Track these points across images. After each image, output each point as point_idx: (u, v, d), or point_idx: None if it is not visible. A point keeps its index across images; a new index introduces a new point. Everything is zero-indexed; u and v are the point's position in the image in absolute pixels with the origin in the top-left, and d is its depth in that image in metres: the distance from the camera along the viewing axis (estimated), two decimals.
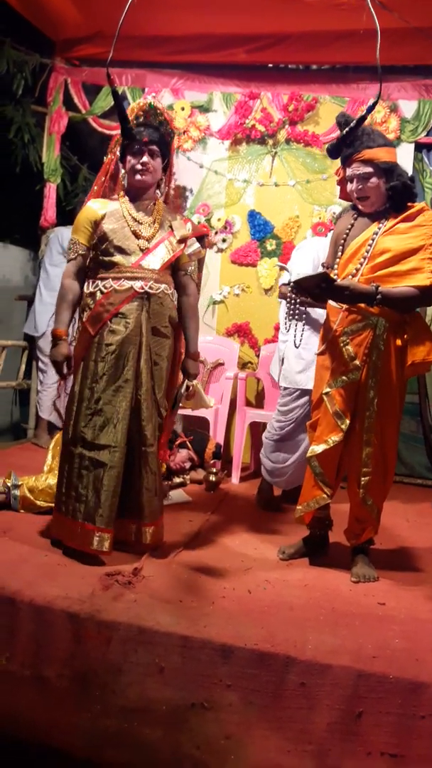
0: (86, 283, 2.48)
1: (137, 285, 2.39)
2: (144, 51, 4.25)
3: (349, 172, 2.40)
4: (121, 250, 2.40)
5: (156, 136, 2.42)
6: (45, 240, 4.53)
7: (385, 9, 3.32)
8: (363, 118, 2.40)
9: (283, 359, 3.28)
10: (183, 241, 2.53)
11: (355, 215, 2.47)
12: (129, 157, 2.43)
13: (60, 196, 4.67)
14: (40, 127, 4.62)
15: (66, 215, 4.55)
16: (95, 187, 2.60)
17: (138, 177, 2.43)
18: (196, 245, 2.53)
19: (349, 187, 2.42)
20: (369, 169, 2.34)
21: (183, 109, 4.34)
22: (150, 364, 2.44)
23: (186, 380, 2.63)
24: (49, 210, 4.54)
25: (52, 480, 2.84)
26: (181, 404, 2.68)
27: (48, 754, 1.90)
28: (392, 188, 2.34)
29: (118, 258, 2.40)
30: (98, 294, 2.41)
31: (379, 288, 2.24)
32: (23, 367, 4.65)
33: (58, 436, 3.10)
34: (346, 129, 2.36)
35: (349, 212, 2.53)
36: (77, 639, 1.92)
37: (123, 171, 2.51)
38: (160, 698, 1.82)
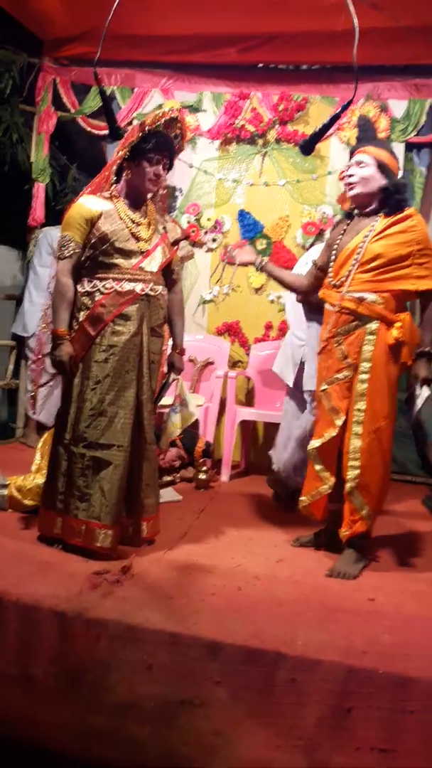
0: (81, 282, 2.44)
1: (138, 287, 2.40)
2: (133, 51, 4.24)
3: (349, 162, 2.48)
4: (122, 252, 2.40)
5: (172, 148, 2.46)
6: (34, 240, 4.52)
7: (375, 8, 3.35)
8: (337, 116, 2.48)
9: (302, 362, 3.26)
10: (176, 243, 2.61)
11: (348, 222, 2.57)
12: (145, 164, 2.39)
13: (49, 195, 4.65)
14: (29, 126, 4.60)
15: (55, 215, 4.53)
16: (97, 180, 2.54)
17: (149, 186, 2.45)
18: (189, 248, 2.59)
19: (344, 180, 2.51)
20: (367, 160, 2.44)
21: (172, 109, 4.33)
22: (149, 364, 2.48)
23: (172, 374, 2.70)
24: (38, 210, 4.52)
25: (40, 479, 2.83)
26: (168, 403, 2.69)
27: (37, 753, 1.89)
28: (384, 189, 2.43)
29: (118, 260, 2.40)
30: (97, 294, 2.39)
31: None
32: (11, 366, 4.63)
33: (46, 435, 3.08)
34: (320, 127, 2.40)
35: (343, 221, 2.64)
36: (65, 637, 1.91)
37: (126, 172, 2.45)
38: (149, 695, 1.81)
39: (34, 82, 4.48)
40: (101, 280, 2.40)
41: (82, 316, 2.42)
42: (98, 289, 2.40)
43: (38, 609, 1.94)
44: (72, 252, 2.41)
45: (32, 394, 4.39)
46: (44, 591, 2.01)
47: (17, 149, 4.58)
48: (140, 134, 2.35)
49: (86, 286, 2.42)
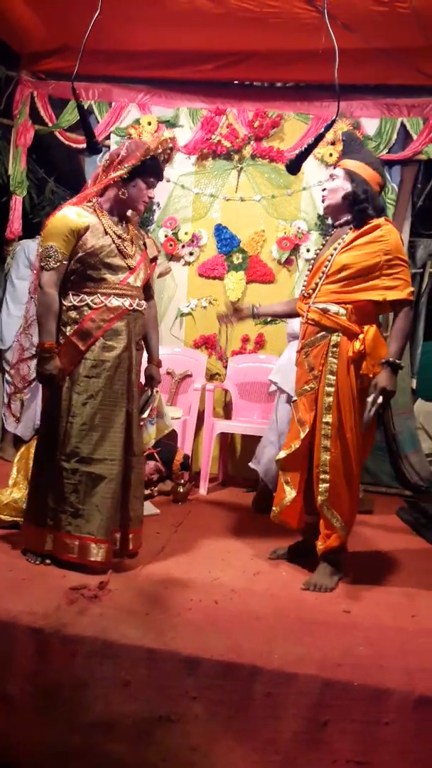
0: (66, 296, 2.43)
1: (126, 303, 2.44)
2: (111, 66, 4.26)
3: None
4: (110, 267, 2.41)
5: (162, 174, 2.55)
6: (11, 253, 4.50)
7: (348, 30, 3.42)
8: (321, 136, 2.51)
9: None
10: (154, 260, 2.66)
11: (332, 233, 2.61)
12: (142, 185, 2.45)
13: (26, 208, 4.65)
14: (6, 139, 4.59)
15: (32, 228, 4.53)
16: (83, 195, 2.50)
17: (141, 207, 2.52)
18: (166, 264, 2.62)
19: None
20: (337, 172, 2.50)
21: (149, 123, 4.37)
22: (137, 378, 2.52)
23: (149, 387, 2.71)
24: (15, 222, 4.51)
25: (17, 494, 2.81)
26: (146, 416, 2.70)
27: None
28: (347, 196, 2.46)
29: (106, 275, 2.41)
30: (86, 309, 2.40)
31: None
32: None
33: (23, 449, 3.06)
34: (306, 146, 2.44)
35: (329, 233, 2.72)
36: (42, 654, 1.90)
37: (122, 191, 2.45)
38: (126, 712, 1.81)
39: (11, 95, 4.49)
40: (89, 294, 2.41)
41: (69, 330, 2.41)
42: (86, 304, 2.40)
43: (15, 626, 1.93)
44: (58, 263, 2.38)
45: (7, 404, 4.36)
46: (21, 607, 2.00)
47: None
48: (143, 158, 2.39)
49: (73, 300, 2.42)
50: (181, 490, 3.61)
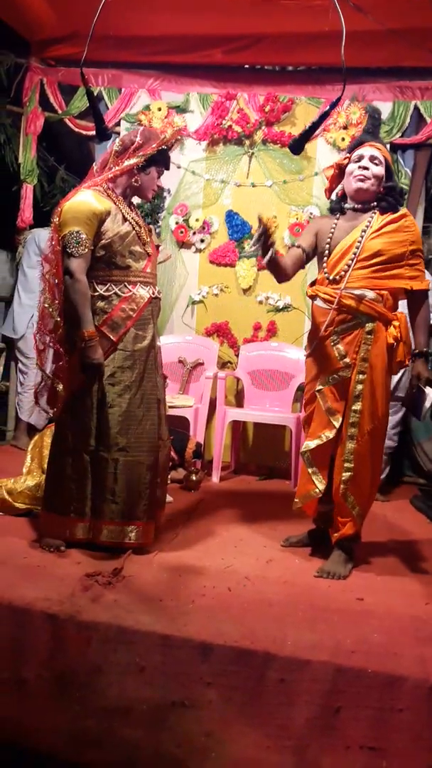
0: (91, 285, 2.38)
1: (150, 291, 2.46)
2: (120, 51, 4.23)
3: (360, 151, 2.44)
4: (133, 254, 2.43)
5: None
6: (22, 241, 4.50)
7: (360, 11, 3.36)
8: (326, 114, 2.47)
9: None
10: (157, 247, 2.66)
11: (338, 217, 2.52)
12: (155, 175, 2.50)
13: (37, 197, 4.64)
14: (16, 127, 4.58)
15: (43, 216, 4.52)
16: (100, 180, 2.47)
17: (150, 195, 2.55)
18: (167, 251, 2.62)
19: (352, 167, 2.45)
20: (381, 157, 2.43)
21: (160, 109, 4.34)
22: (161, 366, 2.58)
23: None
24: (26, 211, 4.51)
25: (31, 482, 2.84)
26: None
27: (28, 756, 1.89)
28: (389, 187, 2.43)
29: (131, 262, 2.42)
30: (114, 298, 2.40)
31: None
32: (1, 369, 4.61)
33: (37, 438, 3.09)
34: (309, 126, 2.41)
35: (328, 216, 2.60)
36: (57, 640, 1.91)
37: (135, 178, 2.47)
38: (140, 697, 1.82)
39: (21, 82, 4.47)
40: (116, 283, 2.40)
41: (98, 320, 2.39)
42: (115, 293, 2.40)
43: (30, 612, 1.95)
44: (86, 249, 2.33)
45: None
46: (36, 594, 2.02)
47: (5, 150, 4.57)
48: (159, 148, 2.43)
49: (99, 289, 2.40)
50: (194, 478, 3.61)
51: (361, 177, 2.41)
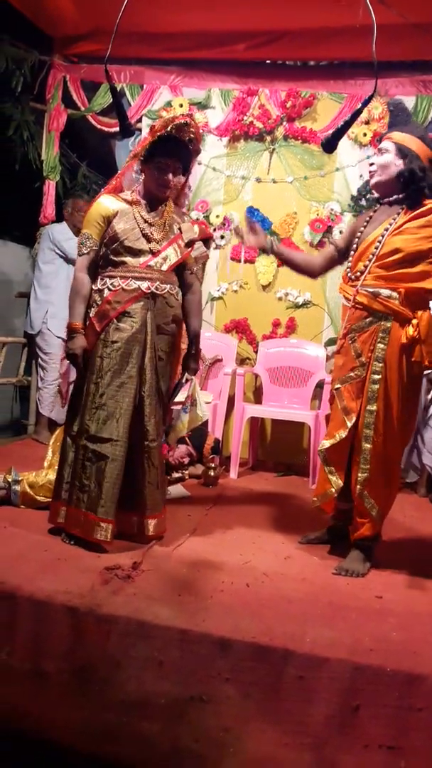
0: (95, 280, 2.51)
1: (144, 285, 2.45)
2: (142, 48, 4.24)
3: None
4: (131, 251, 2.44)
5: (184, 153, 2.48)
6: (38, 237, 4.52)
7: (383, 4, 3.33)
8: (359, 111, 2.43)
9: None
10: (191, 244, 2.63)
11: (376, 208, 2.48)
12: (153, 168, 2.45)
13: (59, 193, 4.68)
14: (39, 124, 4.62)
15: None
16: (113, 181, 2.58)
17: (159, 190, 2.49)
18: (203, 248, 2.61)
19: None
20: (388, 146, 2.36)
21: (181, 105, 4.34)
22: (155, 362, 2.51)
23: (186, 374, 2.70)
24: (48, 207, 4.54)
25: (52, 475, 2.85)
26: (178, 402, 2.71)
27: (48, 749, 1.91)
28: (401, 174, 2.32)
29: (127, 258, 2.45)
30: (105, 291, 2.46)
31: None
32: (23, 363, 4.66)
33: (58, 432, 3.11)
34: (342, 124, 2.38)
35: (371, 208, 2.54)
36: (77, 633, 1.93)
37: (140, 174, 2.50)
38: (158, 692, 1.83)
39: (44, 79, 4.51)
40: (110, 278, 2.46)
41: (92, 312, 2.48)
42: (107, 286, 2.46)
43: (50, 605, 1.96)
44: (89, 249, 2.48)
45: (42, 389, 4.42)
46: (56, 587, 2.03)
47: (28, 147, 4.62)
48: (152, 139, 2.38)
49: (98, 283, 2.49)
50: (212, 473, 3.62)
51: (370, 173, 2.43)
